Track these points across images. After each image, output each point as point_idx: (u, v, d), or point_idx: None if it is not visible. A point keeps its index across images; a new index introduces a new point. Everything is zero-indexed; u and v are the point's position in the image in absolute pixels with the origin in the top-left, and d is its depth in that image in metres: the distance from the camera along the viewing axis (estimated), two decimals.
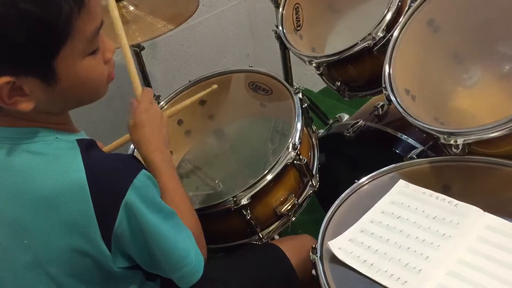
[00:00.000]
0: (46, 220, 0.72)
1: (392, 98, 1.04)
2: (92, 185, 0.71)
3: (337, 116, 1.61)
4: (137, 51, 1.45)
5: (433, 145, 1.21)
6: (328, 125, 1.53)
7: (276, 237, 1.23)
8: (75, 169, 0.72)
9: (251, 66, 1.31)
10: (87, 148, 0.76)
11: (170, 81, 2.01)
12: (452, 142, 0.93)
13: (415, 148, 1.24)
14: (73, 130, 0.82)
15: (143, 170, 0.78)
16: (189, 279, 0.84)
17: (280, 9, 1.40)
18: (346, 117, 1.59)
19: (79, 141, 0.77)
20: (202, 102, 1.39)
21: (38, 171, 0.72)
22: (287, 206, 1.11)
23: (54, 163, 0.72)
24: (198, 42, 2.06)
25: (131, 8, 1.35)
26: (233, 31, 2.16)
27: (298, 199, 1.14)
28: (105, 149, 1.11)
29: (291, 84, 1.26)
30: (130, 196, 0.74)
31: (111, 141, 1.14)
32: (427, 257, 0.81)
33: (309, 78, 2.46)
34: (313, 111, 1.78)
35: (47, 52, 0.67)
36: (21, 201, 0.72)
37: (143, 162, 0.94)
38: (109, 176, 0.74)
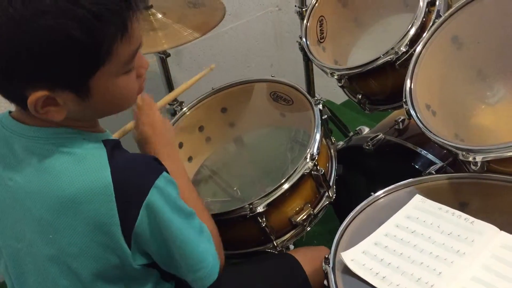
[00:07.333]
0: (71, 217, 0.74)
1: (412, 113, 1.04)
2: (116, 185, 0.73)
3: (357, 128, 1.61)
4: (163, 57, 1.48)
5: (453, 161, 1.20)
6: (348, 137, 1.53)
7: (292, 247, 1.24)
8: (101, 169, 0.74)
9: (273, 76, 1.33)
10: (113, 148, 0.79)
11: (193, 88, 2.03)
12: (470, 159, 0.93)
13: (435, 163, 1.24)
14: (100, 130, 0.85)
15: (165, 172, 0.80)
16: (204, 282, 0.85)
17: (305, 21, 1.42)
18: (366, 130, 1.59)
19: (106, 142, 0.80)
20: (223, 109, 1.41)
21: (65, 170, 0.74)
22: (302, 216, 1.12)
23: (81, 163, 0.75)
24: (223, 50, 2.09)
25: (159, 15, 1.39)
26: (258, 41, 2.19)
27: (314, 209, 1.14)
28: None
29: (313, 95, 1.27)
30: (152, 196, 0.76)
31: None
32: (440, 273, 0.81)
33: (331, 90, 2.45)
34: (334, 123, 1.79)
35: (85, 73, 0.70)
36: (48, 198, 0.74)
37: None
38: (133, 176, 0.76)
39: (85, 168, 0.74)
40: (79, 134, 0.78)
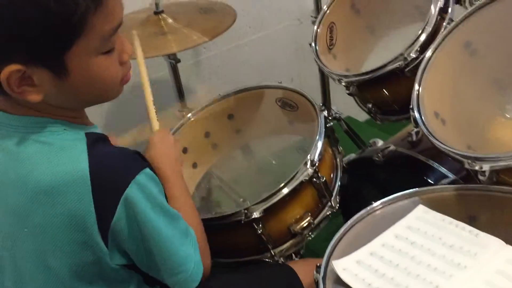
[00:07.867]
0: (46, 210, 0.73)
1: (418, 119, 0.99)
2: (94, 178, 0.71)
3: (371, 141, 1.56)
4: (173, 63, 1.48)
5: (467, 175, 1.14)
6: (362, 150, 1.49)
7: (296, 259, 1.19)
8: (78, 161, 0.72)
9: (280, 82, 1.30)
10: (95, 141, 0.77)
11: (201, 94, 2.02)
12: (477, 167, 0.87)
13: (447, 177, 1.18)
14: (86, 123, 0.83)
15: (147, 168, 0.78)
16: (184, 286, 0.82)
17: (315, 27, 1.39)
18: (380, 142, 1.54)
19: (88, 135, 0.78)
20: (230, 116, 1.39)
21: (42, 160, 0.73)
22: (302, 225, 1.07)
23: (59, 154, 0.73)
24: (243, 63, 2.08)
25: (170, 20, 1.40)
26: (278, 54, 2.17)
27: (314, 219, 1.09)
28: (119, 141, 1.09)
29: (329, 106, 1.23)
30: (131, 191, 0.73)
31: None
32: (436, 286, 0.75)
33: (355, 107, 2.41)
34: (350, 137, 1.73)
35: (59, 45, 0.69)
36: (24, 189, 0.73)
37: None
38: (112, 170, 0.74)
39: (62, 160, 0.72)
40: (60, 124, 0.76)
